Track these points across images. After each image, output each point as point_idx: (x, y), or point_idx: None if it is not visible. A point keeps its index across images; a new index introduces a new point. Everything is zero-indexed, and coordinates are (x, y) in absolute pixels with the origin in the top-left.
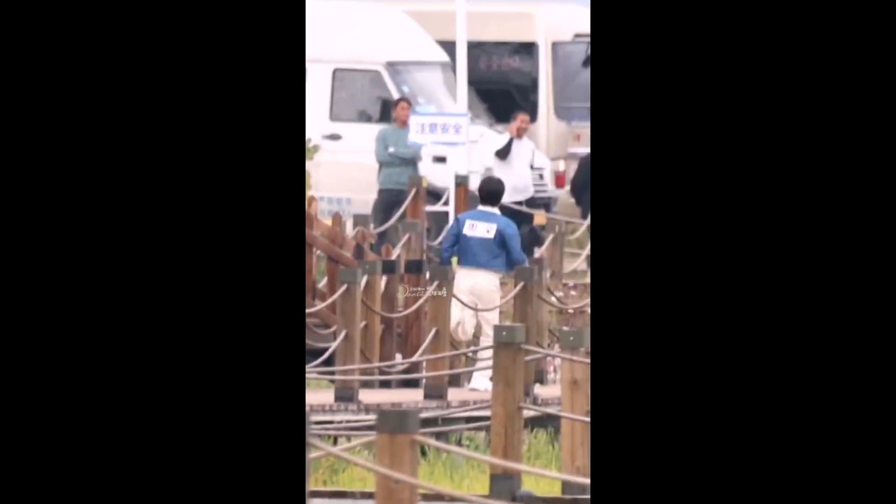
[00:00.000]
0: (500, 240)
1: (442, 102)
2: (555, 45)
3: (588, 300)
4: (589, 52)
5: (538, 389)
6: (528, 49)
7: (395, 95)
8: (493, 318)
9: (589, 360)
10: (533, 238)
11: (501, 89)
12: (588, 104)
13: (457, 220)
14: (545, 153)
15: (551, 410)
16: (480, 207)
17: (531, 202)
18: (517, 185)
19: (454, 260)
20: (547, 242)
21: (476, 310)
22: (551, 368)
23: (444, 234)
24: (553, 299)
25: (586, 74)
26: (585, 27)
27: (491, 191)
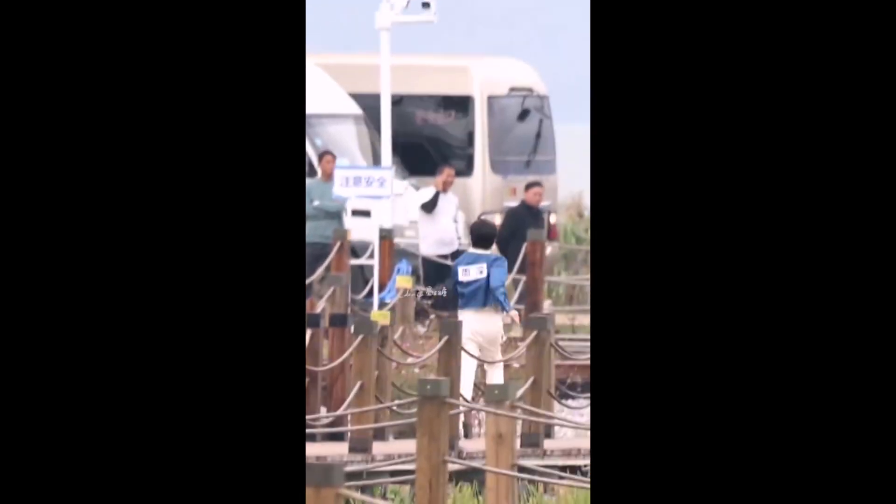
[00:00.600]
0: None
1: (354, 155)
2: (490, 99)
3: (511, 354)
4: (524, 105)
5: (463, 443)
6: (463, 103)
7: (308, 149)
8: (497, 367)
9: (513, 415)
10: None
11: (424, 143)
12: (524, 158)
13: (452, 268)
14: (481, 207)
15: (476, 464)
16: (471, 250)
17: (455, 255)
18: (442, 238)
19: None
20: None
21: (480, 360)
22: (476, 422)
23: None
24: (478, 353)
25: (521, 128)
26: (521, 80)
27: (483, 234)
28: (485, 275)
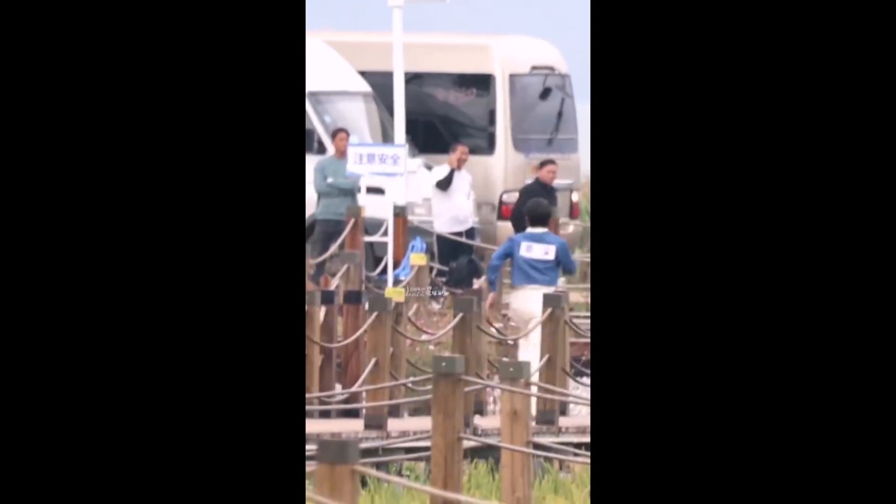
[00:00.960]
0: (557, 257)
1: (363, 133)
2: (512, 78)
3: (525, 331)
4: (546, 84)
5: (478, 420)
6: (484, 81)
7: (318, 126)
8: (535, 340)
9: (528, 391)
10: (472, 269)
11: (441, 121)
12: (546, 136)
13: (511, 240)
14: (503, 185)
15: (491, 441)
16: (531, 230)
17: (470, 233)
18: (457, 216)
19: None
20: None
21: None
22: (491, 399)
23: (497, 253)
24: (493, 330)
25: (543, 106)
26: (542, 59)
27: (541, 214)
28: (551, 256)
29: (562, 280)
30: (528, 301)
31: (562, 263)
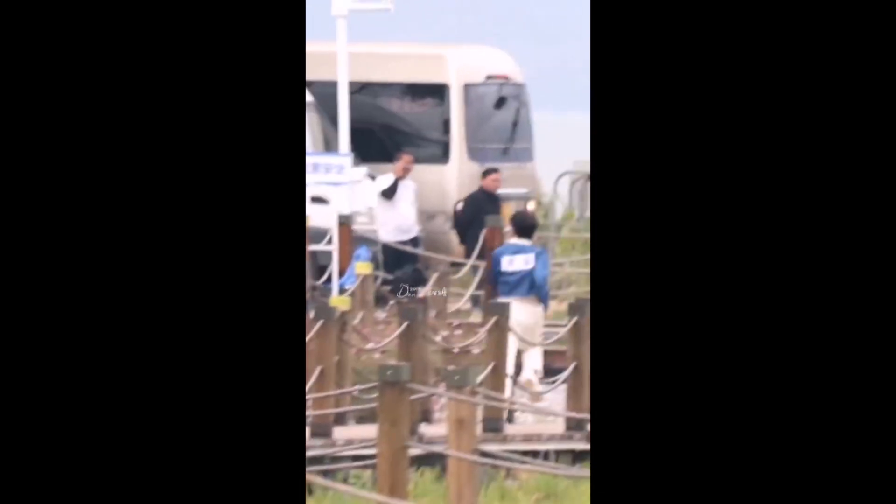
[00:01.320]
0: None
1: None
2: (467, 87)
3: (471, 339)
4: (501, 93)
5: (424, 428)
6: (439, 90)
7: None
8: (536, 353)
9: (474, 399)
10: (417, 278)
11: (392, 130)
12: (501, 145)
13: (494, 258)
14: (457, 194)
15: (437, 449)
16: (514, 241)
17: (415, 242)
18: (401, 225)
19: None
20: (431, 282)
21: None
22: (437, 407)
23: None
24: (438, 339)
25: (499, 116)
26: (497, 68)
27: (526, 225)
28: (531, 265)
29: None
30: (521, 314)
31: (534, 272)
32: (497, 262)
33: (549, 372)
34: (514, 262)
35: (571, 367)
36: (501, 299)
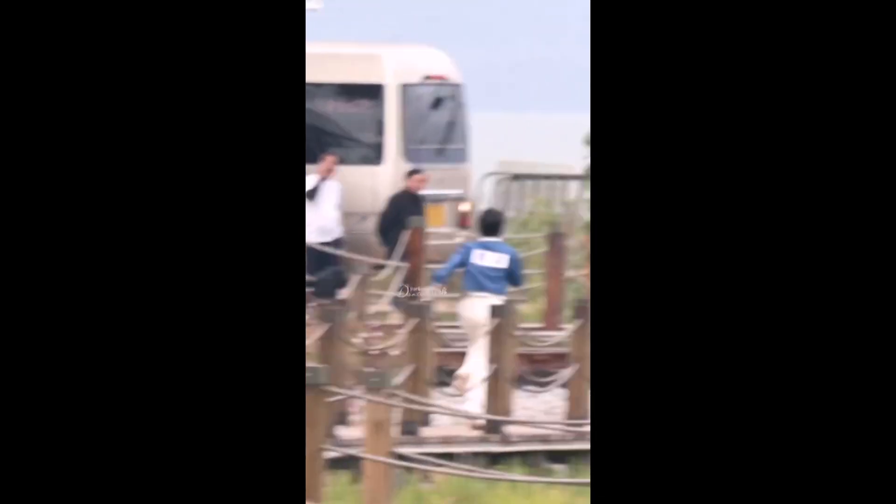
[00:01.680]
0: (509, 267)
1: None
2: (404, 87)
3: (390, 342)
4: (438, 93)
5: (340, 430)
6: (375, 91)
7: None
8: (478, 352)
9: (391, 402)
10: (337, 280)
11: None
12: (437, 146)
13: (464, 248)
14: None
15: (353, 452)
16: (484, 238)
17: (338, 243)
18: (324, 226)
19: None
20: (352, 284)
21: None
22: (354, 409)
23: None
24: (356, 341)
25: (436, 116)
26: (435, 69)
27: (493, 222)
28: (503, 265)
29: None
30: (476, 309)
31: (511, 274)
32: (467, 254)
33: (544, 374)
34: (486, 258)
35: (409, 369)
36: (469, 291)
